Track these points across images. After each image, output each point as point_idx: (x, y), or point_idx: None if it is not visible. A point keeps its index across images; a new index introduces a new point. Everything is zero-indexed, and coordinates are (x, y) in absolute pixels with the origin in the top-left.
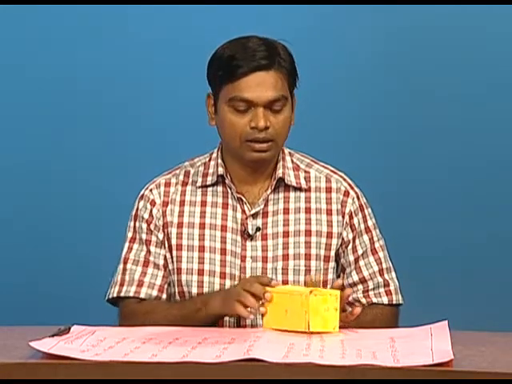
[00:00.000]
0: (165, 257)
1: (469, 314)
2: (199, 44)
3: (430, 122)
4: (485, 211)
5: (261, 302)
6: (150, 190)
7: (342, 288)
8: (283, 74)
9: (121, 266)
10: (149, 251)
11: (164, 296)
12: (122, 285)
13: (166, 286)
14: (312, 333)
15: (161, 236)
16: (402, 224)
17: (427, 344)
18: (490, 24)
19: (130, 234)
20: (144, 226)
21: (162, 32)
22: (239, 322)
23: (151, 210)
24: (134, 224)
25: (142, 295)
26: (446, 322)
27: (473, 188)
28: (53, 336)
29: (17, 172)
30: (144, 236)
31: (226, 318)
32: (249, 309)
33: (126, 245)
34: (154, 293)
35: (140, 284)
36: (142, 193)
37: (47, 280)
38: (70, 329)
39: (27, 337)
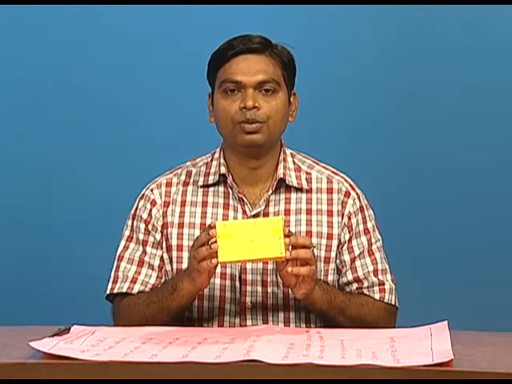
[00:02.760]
0: (161, 258)
1: (469, 313)
2: (199, 44)
3: (430, 122)
4: (485, 211)
5: (209, 244)
6: (151, 190)
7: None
8: (276, 61)
9: (115, 264)
10: (144, 252)
11: None
12: (115, 282)
13: (159, 287)
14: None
15: (158, 237)
16: (402, 224)
17: (427, 344)
18: (489, 24)
19: (127, 233)
20: (142, 226)
21: (162, 32)
22: (240, 322)
23: (151, 210)
24: (132, 223)
25: (135, 291)
26: (446, 322)
27: (473, 188)
28: (53, 336)
29: (17, 172)
30: (141, 236)
31: (227, 318)
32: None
33: (122, 243)
34: (147, 291)
35: (133, 281)
36: (142, 192)
37: (47, 280)
38: (69, 329)
39: (27, 337)
